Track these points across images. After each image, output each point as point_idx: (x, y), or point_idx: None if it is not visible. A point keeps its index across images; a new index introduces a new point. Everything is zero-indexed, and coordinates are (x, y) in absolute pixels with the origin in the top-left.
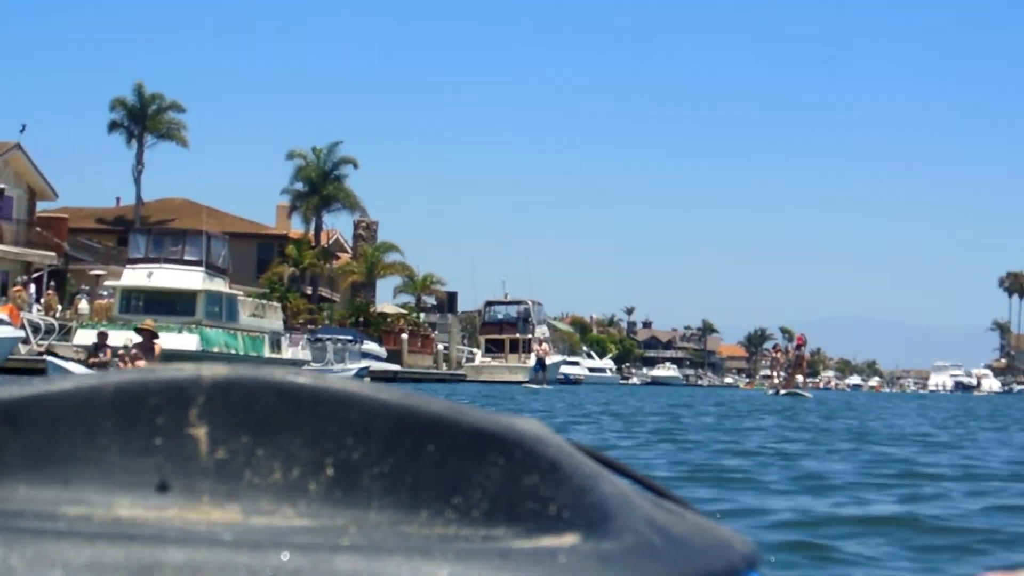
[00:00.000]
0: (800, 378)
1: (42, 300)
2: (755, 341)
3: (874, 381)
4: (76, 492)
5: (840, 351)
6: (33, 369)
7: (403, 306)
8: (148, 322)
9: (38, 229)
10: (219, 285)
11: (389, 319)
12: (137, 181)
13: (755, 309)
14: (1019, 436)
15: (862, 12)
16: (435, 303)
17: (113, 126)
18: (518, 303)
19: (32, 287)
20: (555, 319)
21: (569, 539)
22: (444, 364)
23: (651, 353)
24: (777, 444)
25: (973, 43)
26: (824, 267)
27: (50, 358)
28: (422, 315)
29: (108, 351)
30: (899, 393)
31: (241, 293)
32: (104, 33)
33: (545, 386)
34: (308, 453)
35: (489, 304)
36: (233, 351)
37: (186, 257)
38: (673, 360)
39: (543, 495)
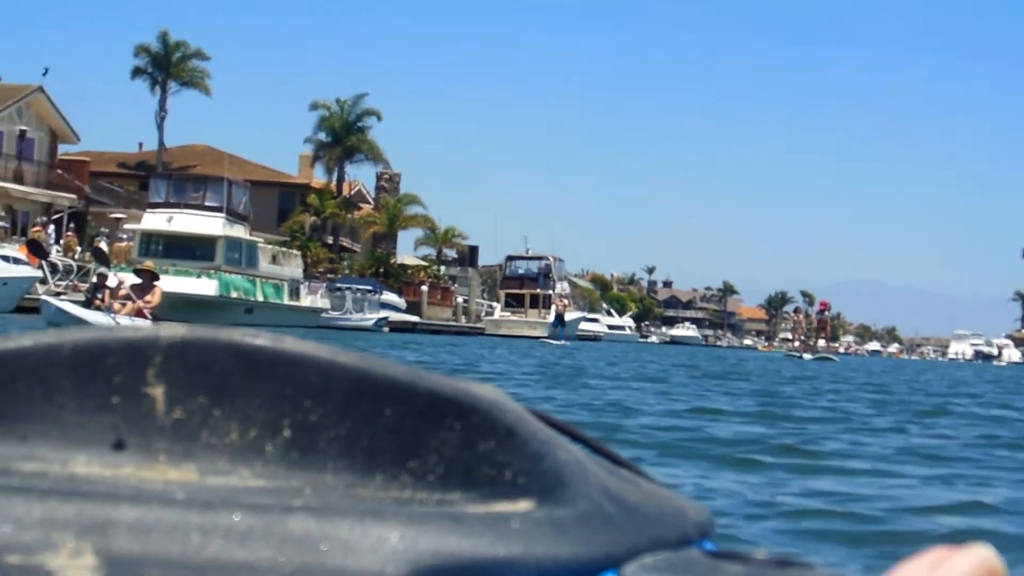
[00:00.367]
0: (823, 342)
1: (61, 241)
2: (775, 304)
3: (893, 348)
4: (32, 449)
5: (860, 316)
6: None
7: (424, 258)
8: (148, 263)
9: (59, 171)
10: (239, 232)
11: (409, 271)
12: (160, 127)
13: (776, 272)
14: None
15: None
16: (456, 256)
17: (136, 72)
18: (539, 258)
19: (52, 228)
20: (576, 276)
21: (523, 505)
22: (463, 317)
23: (671, 312)
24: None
25: (1007, 9)
26: (846, 232)
27: (45, 298)
28: (442, 268)
29: (107, 292)
30: (921, 360)
31: (261, 240)
32: None
33: (564, 342)
34: (265, 415)
35: (510, 259)
36: (251, 297)
37: (207, 203)
38: (693, 320)
39: (499, 460)
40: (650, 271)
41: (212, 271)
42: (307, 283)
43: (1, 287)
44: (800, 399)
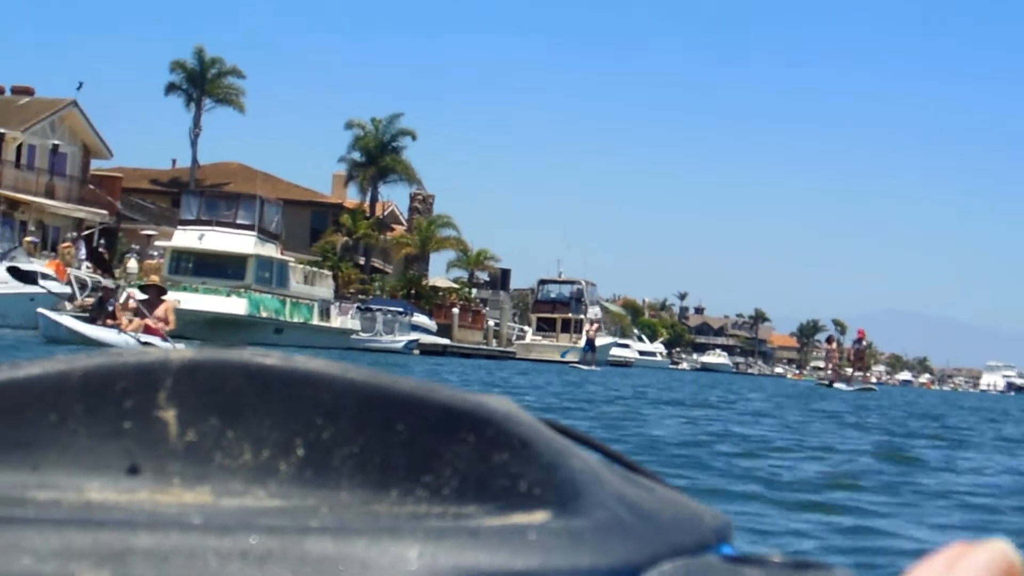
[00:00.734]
0: (859, 372)
1: (93, 258)
2: (807, 332)
3: (924, 378)
4: (45, 477)
5: (891, 346)
6: None
7: (456, 281)
8: (154, 278)
9: (91, 187)
10: (270, 250)
11: (441, 293)
12: (193, 144)
13: (808, 300)
14: None
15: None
16: (488, 279)
17: (171, 88)
18: (572, 283)
19: (83, 244)
20: (607, 301)
21: (539, 516)
22: (494, 340)
23: (702, 339)
24: None
25: None
26: (879, 260)
27: (43, 311)
28: (474, 291)
29: (116, 306)
30: (953, 391)
31: (292, 259)
32: None
33: (594, 367)
34: (278, 434)
35: (543, 282)
36: (281, 317)
37: (238, 221)
38: (724, 347)
39: (513, 472)
40: (682, 297)
41: (242, 290)
42: (338, 304)
43: (28, 303)
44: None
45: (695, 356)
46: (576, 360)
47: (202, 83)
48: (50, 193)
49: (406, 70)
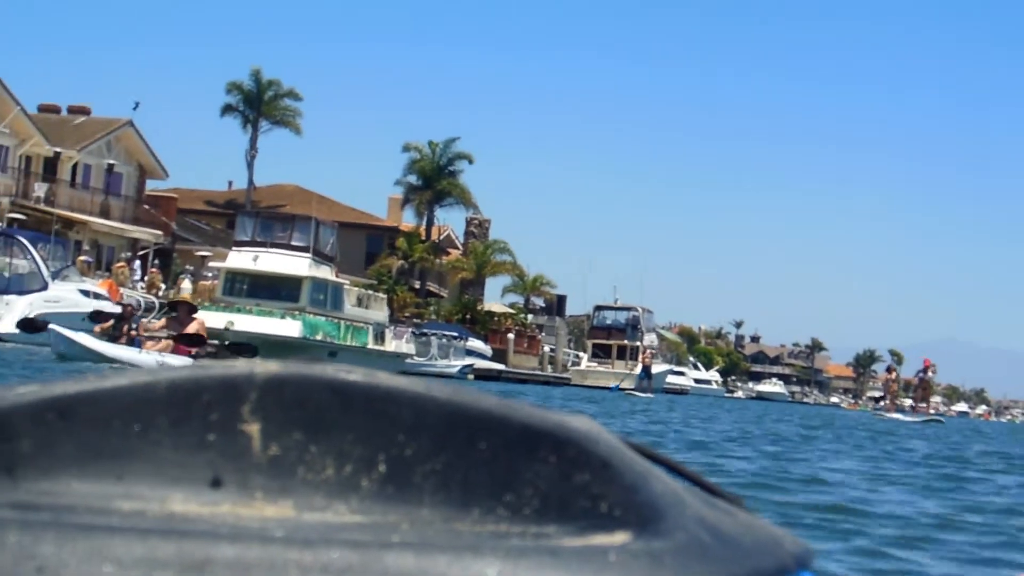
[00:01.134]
0: (923, 403)
1: (145, 278)
2: (863, 362)
3: (981, 409)
4: (129, 487)
5: (947, 377)
6: None
7: (511, 306)
8: (184, 295)
9: (146, 207)
10: (325, 273)
11: (496, 318)
12: (250, 166)
13: (864, 329)
14: None
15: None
16: (543, 305)
17: (227, 109)
18: (628, 309)
19: (137, 264)
20: (663, 328)
21: (620, 537)
22: (549, 366)
23: (757, 368)
24: None
25: None
26: (935, 290)
27: (54, 327)
28: (530, 316)
29: (140, 325)
30: (1011, 423)
31: (347, 282)
32: (223, 14)
33: (649, 394)
34: (360, 450)
35: (599, 308)
36: (335, 340)
37: (293, 242)
38: (780, 376)
39: (594, 493)
40: (738, 325)
41: (296, 312)
42: (392, 327)
43: (80, 322)
44: None
45: (750, 384)
46: (632, 387)
47: (259, 105)
48: (105, 213)
49: (464, 93)
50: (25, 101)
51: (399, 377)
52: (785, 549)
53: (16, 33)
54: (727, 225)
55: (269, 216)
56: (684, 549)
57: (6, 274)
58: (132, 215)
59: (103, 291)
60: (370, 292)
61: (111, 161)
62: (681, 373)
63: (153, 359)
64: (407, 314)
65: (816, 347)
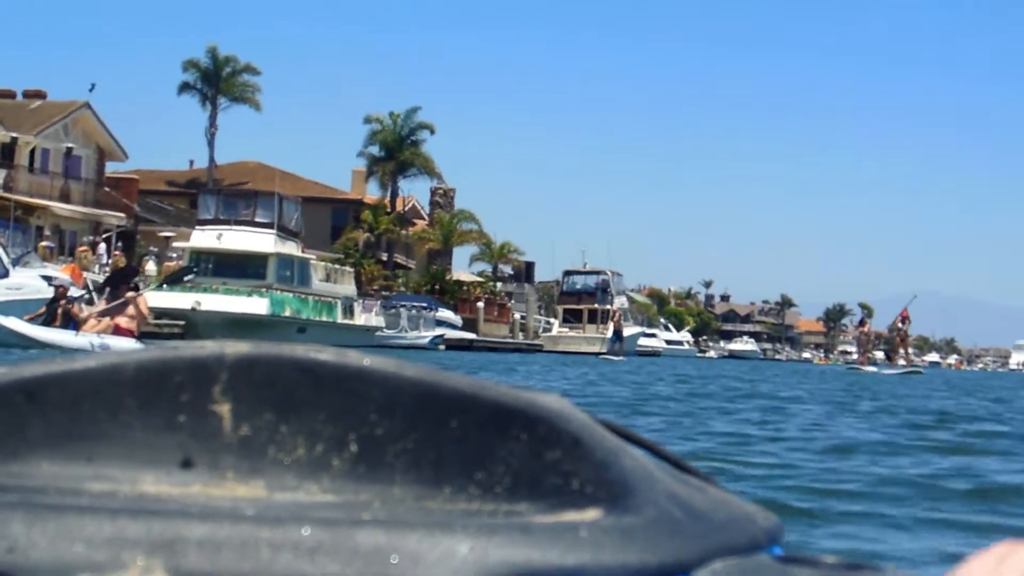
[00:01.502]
0: (895, 355)
1: (109, 261)
2: (833, 316)
3: (952, 359)
4: (99, 468)
5: (917, 328)
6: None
7: (480, 274)
8: (118, 261)
9: (107, 189)
10: (291, 248)
11: (465, 287)
12: (210, 144)
13: (833, 284)
14: None
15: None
16: (512, 272)
17: (185, 87)
18: (597, 273)
19: (103, 247)
20: (633, 291)
21: (591, 514)
22: (520, 334)
23: (728, 327)
24: None
25: None
26: (902, 243)
27: None
28: (499, 284)
29: (75, 306)
30: (983, 371)
31: (314, 257)
32: None
33: (621, 358)
34: (331, 429)
35: (568, 274)
36: (304, 316)
37: (257, 219)
38: (751, 334)
39: (566, 470)
40: (707, 285)
41: (263, 289)
42: (361, 301)
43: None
44: None
45: (722, 344)
46: (604, 351)
47: (216, 82)
48: (65, 197)
49: (423, 63)
50: None
51: (370, 356)
52: (757, 524)
53: None
54: (693, 186)
55: (232, 194)
56: (655, 524)
57: None
58: (93, 198)
59: (66, 276)
60: (337, 266)
61: (69, 144)
62: (653, 335)
63: (88, 341)
64: (375, 287)
65: (786, 303)
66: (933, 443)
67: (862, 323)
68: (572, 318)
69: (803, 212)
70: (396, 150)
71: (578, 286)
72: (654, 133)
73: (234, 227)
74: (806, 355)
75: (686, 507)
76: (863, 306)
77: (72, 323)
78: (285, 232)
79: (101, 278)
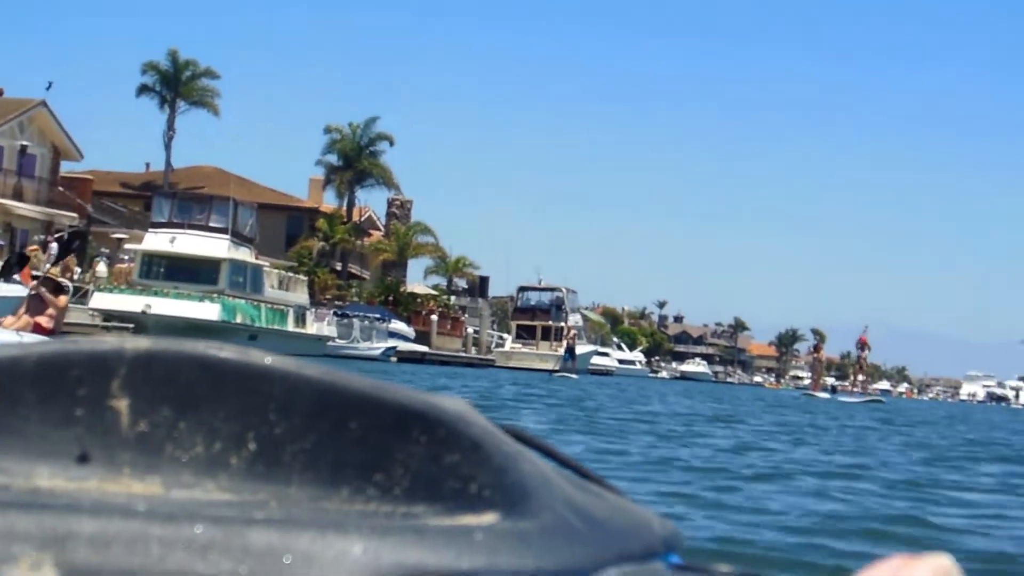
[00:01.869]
0: (855, 382)
1: (60, 261)
2: (786, 341)
3: (903, 388)
4: None
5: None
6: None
7: (434, 288)
8: (52, 270)
9: (61, 189)
10: (244, 255)
11: (419, 300)
12: (167, 147)
13: (786, 308)
14: None
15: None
16: (466, 287)
17: (143, 90)
18: (552, 290)
19: (55, 247)
20: (587, 309)
21: (488, 518)
22: (473, 348)
23: (681, 348)
24: None
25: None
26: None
27: None
28: (453, 298)
29: None
30: (933, 401)
31: (267, 264)
32: None
33: (574, 376)
34: (230, 427)
35: (522, 289)
36: (255, 323)
37: (212, 224)
38: (703, 356)
39: (464, 474)
40: (661, 305)
41: (215, 295)
42: (314, 310)
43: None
44: None
45: (674, 365)
46: (557, 368)
47: (176, 85)
48: (18, 195)
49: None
50: None
51: (272, 355)
52: (654, 532)
53: None
54: (649, 206)
55: (186, 197)
56: (551, 530)
57: None
58: (46, 197)
59: (16, 275)
60: (291, 274)
61: (24, 142)
62: (606, 354)
63: (7, 337)
64: (329, 296)
65: (739, 327)
66: None
67: (816, 348)
68: (525, 334)
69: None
70: (354, 159)
71: (532, 302)
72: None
73: (188, 231)
74: (757, 379)
75: (583, 514)
76: (816, 332)
77: None
78: (239, 238)
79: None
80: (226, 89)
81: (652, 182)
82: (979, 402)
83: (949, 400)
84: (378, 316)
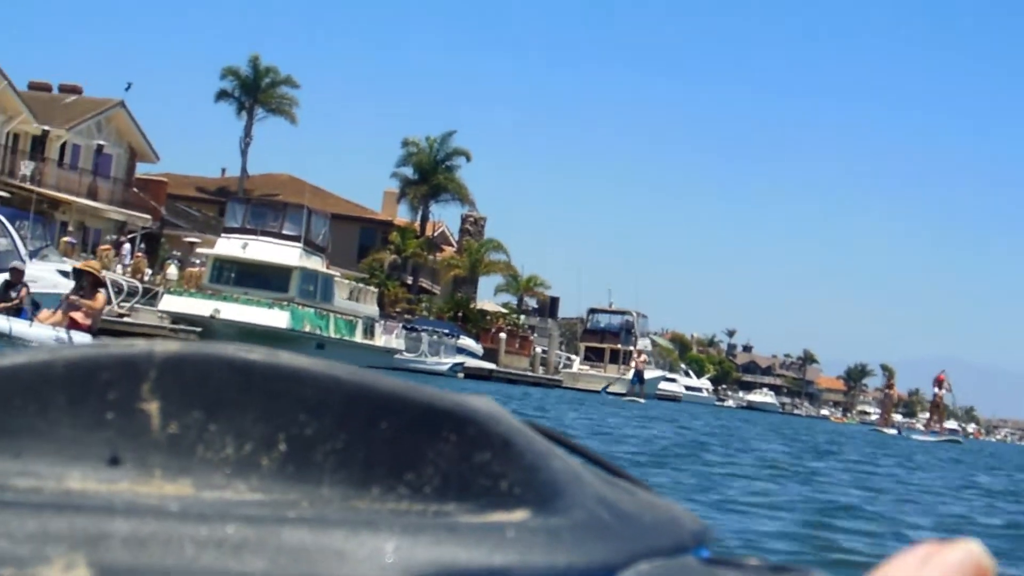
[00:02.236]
0: (931, 421)
1: (131, 262)
2: (854, 375)
3: (971, 428)
4: (27, 465)
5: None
6: (109, 330)
7: (504, 305)
8: (91, 262)
9: (135, 190)
10: (316, 263)
11: (488, 317)
12: (244, 153)
13: (856, 343)
14: None
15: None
16: (536, 306)
17: (222, 95)
18: (622, 313)
19: (127, 247)
20: (655, 334)
21: (519, 515)
22: (541, 368)
23: (749, 378)
24: None
25: None
26: (926, 306)
27: None
28: (522, 317)
29: (24, 289)
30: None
31: (338, 274)
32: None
33: (641, 400)
34: (261, 428)
35: (593, 311)
36: (324, 332)
37: (284, 231)
38: (770, 387)
39: (494, 471)
40: (730, 334)
41: (285, 303)
42: (383, 322)
43: (57, 302)
44: None
45: (741, 394)
46: (623, 392)
47: (255, 92)
48: (93, 194)
49: (466, 88)
50: (16, 78)
51: (301, 356)
52: (684, 526)
53: (8, 9)
54: (723, 233)
55: (260, 203)
56: (582, 526)
57: None
58: (121, 198)
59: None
60: (361, 286)
61: (101, 142)
62: (673, 380)
63: (44, 333)
64: (398, 310)
65: (808, 359)
66: None
67: (889, 385)
68: (594, 356)
69: (833, 268)
70: (430, 174)
71: (602, 325)
72: (691, 177)
73: (260, 237)
74: (824, 412)
75: (614, 509)
76: (885, 368)
77: (23, 312)
78: (311, 246)
79: (122, 278)
80: (305, 98)
81: (728, 212)
82: None
83: (1019, 443)
84: (447, 331)
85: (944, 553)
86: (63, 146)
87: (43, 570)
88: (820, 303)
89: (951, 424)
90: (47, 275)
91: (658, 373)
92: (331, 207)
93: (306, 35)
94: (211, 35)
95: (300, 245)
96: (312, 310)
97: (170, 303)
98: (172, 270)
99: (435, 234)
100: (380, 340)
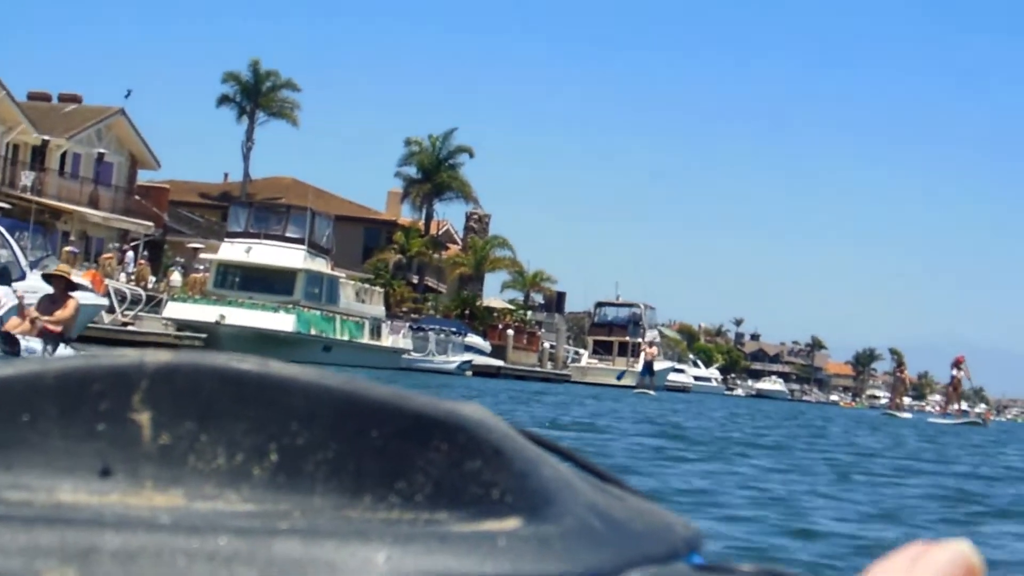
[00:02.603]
0: (949, 403)
1: (134, 270)
2: (863, 360)
3: (981, 408)
4: (17, 477)
5: (945, 375)
6: (114, 340)
7: (511, 302)
8: (62, 267)
9: (137, 198)
10: (320, 265)
11: (495, 314)
12: (246, 158)
13: (864, 327)
14: None
15: None
16: (543, 301)
17: (223, 100)
18: (629, 305)
19: (130, 255)
20: (663, 325)
21: (510, 523)
22: (549, 363)
23: (757, 366)
24: None
25: None
26: (932, 288)
27: None
28: (529, 312)
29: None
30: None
31: (343, 276)
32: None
33: (652, 392)
34: (252, 439)
35: (600, 305)
36: (330, 335)
37: (288, 234)
38: (779, 374)
39: (486, 479)
40: (738, 323)
41: (290, 306)
42: (389, 322)
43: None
44: None
45: (750, 382)
46: (633, 384)
47: (256, 96)
48: (94, 203)
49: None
50: (14, 88)
51: (292, 366)
52: (676, 533)
53: (6, 18)
54: (727, 222)
55: (263, 207)
56: (574, 534)
57: None
58: (122, 206)
59: (86, 282)
60: (367, 286)
61: (101, 150)
62: (681, 371)
63: (24, 344)
64: (405, 309)
65: (816, 345)
66: None
67: (900, 368)
68: (602, 350)
69: (838, 253)
70: (433, 172)
71: (609, 318)
72: (693, 167)
73: (264, 241)
74: (834, 397)
75: (605, 517)
76: (894, 352)
77: None
78: (316, 249)
79: (126, 286)
80: (306, 100)
81: (730, 200)
82: None
83: None
84: (454, 330)
85: (934, 553)
86: (63, 155)
87: None
88: (827, 289)
89: (961, 405)
90: (47, 286)
91: (667, 364)
92: (335, 209)
93: (306, 36)
94: (211, 41)
95: (304, 247)
96: (318, 312)
97: (175, 310)
98: (176, 277)
99: (440, 232)
100: (387, 340)
